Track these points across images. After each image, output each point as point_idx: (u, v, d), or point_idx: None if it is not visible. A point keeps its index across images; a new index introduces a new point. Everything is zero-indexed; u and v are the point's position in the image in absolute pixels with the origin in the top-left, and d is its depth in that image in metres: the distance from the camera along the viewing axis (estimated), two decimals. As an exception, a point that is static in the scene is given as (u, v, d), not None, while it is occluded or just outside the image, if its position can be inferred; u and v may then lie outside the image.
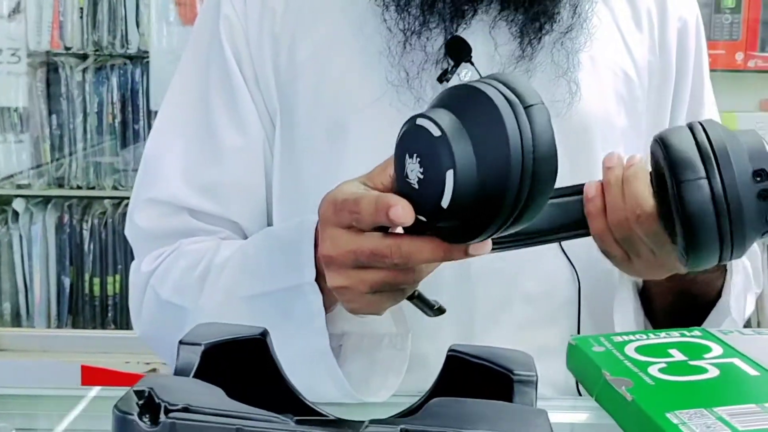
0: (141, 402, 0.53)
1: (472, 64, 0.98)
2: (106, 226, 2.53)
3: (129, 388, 0.55)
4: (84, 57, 2.53)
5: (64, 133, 2.50)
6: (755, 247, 1.16)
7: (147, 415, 0.53)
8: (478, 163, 0.63)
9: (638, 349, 0.69)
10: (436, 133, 0.63)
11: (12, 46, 2.48)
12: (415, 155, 0.64)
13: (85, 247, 2.52)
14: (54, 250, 2.52)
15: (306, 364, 0.84)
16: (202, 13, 1.11)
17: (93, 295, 2.52)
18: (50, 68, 2.53)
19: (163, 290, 1.01)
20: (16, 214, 2.52)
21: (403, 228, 0.70)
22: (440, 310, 0.81)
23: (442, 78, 0.99)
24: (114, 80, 2.49)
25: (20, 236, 2.51)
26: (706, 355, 0.68)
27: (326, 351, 0.86)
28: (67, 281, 2.52)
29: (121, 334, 2.39)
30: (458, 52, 1.00)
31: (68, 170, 2.52)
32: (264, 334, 0.69)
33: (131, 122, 2.51)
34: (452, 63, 0.99)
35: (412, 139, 0.65)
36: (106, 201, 2.55)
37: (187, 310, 0.98)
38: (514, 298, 0.98)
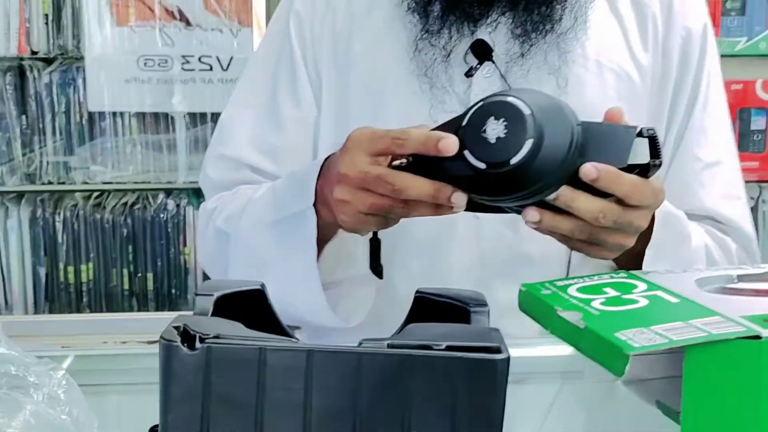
0: (180, 333, 0.61)
1: (494, 62, 1.09)
2: (78, 217, 2.52)
3: (168, 324, 0.63)
4: (50, 60, 2.52)
5: (34, 132, 2.51)
6: (747, 230, 1.20)
7: (186, 343, 0.61)
8: (546, 143, 0.78)
9: (579, 290, 0.76)
10: (527, 111, 0.78)
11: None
12: (502, 119, 0.78)
13: (59, 238, 2.53)
14: (29, 242, 2.52)
15: (296, 281, 0.97)
16: (279, 8, 1.24)
17: (68, 282, 2.54)
18: (19, 72, 2.52)
19: (218, 221, 1.13)
20: None
21: (408, 169, 0.84)
22: (379, 273, 0.96)
23: (468, 74, 1.10)
24: (80, 81, 2.50)
25: None
26: (635, 291, 0.75)
27: (313, 264, 0.97)
28: (42, 271, 2.53)
29: (97, 317, 2.37)
30: (480, 51, 1.11)
31: (39, 167, 2.52)
32: (263, 286, 0.77)
33: (98, 119, 2.52)
34: (477, 61, 1.10)
35: (500, 108, 0.79)
36: (77, 194, 2.55)
37: (230, 236, 1.10)
38: (517, 260, 1.08)
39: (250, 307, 0.76)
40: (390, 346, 0.62)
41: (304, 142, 1.19)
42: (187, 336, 0.61)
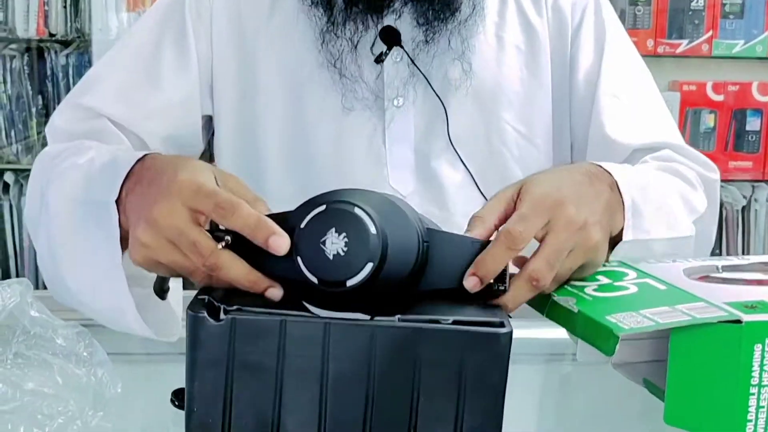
0: (205, 305, 0.65)
1: (403, 47, 1.10)
2: None
3: (194, 296, 0.67)
4: (67, 43, 2.54)
5: (49, 112, 2.50)
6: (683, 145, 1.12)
7: (212, 314, 0.64)
8: (388, 265, 0.68)
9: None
10: (372, 230, 0.67)
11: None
12: (343, 234, 0.67)
13: None
14: None
15: (103, 281, 0.83)
16: None
17: None
18: (37, 53, 2.54)
19: (36, 168, 0.99)
20: (6, 186, 2.53)
21: (230, 246, 0.71)
22: (163, 293, 0.85)
23: (378, 59, 1.11)
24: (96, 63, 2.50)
25: (10, 206, 2.52)
26: (626, 279, 0.79)
27: (116, 258, 0.81)
28: None
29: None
30: (388, 37, 1.11)
31: None
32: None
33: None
34: (386, 47, 1.10)
35: (344, 220, 0.68)
36: None
37: (41, 195, 0.94)
38: None
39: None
40: (401, 320, 0.66)
41: (179, 110, 1.12)
42: (212, 308, 0.65)
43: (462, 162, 1.14)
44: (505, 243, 0.73)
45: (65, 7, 2.49)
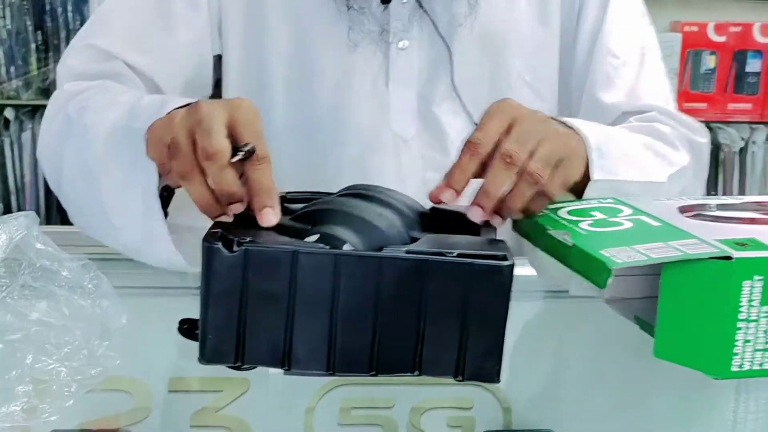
0: (219, 237, 0.67)
1: None
2: None
3: (208, 228, 0.68)
4: None
5: (49, 48, 2.50)
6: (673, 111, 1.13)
7: (225, 246, 0.66)
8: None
9: (570, 212, 0.82)
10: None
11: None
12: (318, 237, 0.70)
13: None
14: None
15: (139, 206, 0.84)
16: None
17: None
18: None
19: (71, 108, 0.98)
20: (7, 122, 2.52)
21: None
22: None
23: (385, 1, 1.10)
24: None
25: (11, 142, 2.51)
26: (620, 215, 0.81)
27: (154, 192, 0.83)
28: None
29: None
30: None
31: (54, 81, 2.50)
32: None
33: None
34: None
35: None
36: None
37: (75, 125, 0.95)
38: None
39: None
40: (408, 252, 0.68)
41: (192, 52, 1.12)
42: (226, 240, 0.67)
43: (464, 108, 1.14)
44: (468, 152, 0.79)
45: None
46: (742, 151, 2.64)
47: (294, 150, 1.13)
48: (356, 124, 1.13)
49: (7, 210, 2.53)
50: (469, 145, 0.80)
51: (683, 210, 0.84)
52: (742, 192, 2.59)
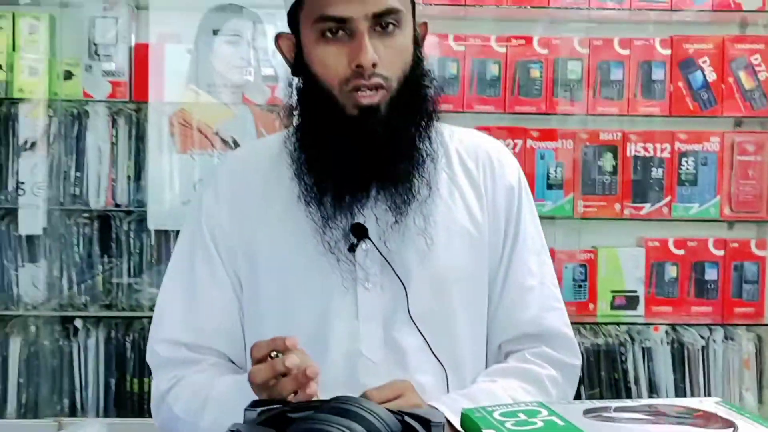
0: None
1: (370, 239, 1.27)
2: (144, 339, 2.67)
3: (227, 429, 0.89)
4: (130, 212, 2.77)
5: (113, 271, 2.71)
6: (568, 335, 1.34)
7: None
8: None
9: (501, 414, 1.00)
10: None
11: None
12: None
13: (128, 355, 2.71)
14: (103, 358, 2.72)
15: None
16: (191, 207, 1.40)
17: (133, 391, 2.71)
18: (103, 221, 2.76)
19: (176, 407, 1.31)
20: (76, 330, 2.72)
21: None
22: None
23: (352, 249, 1.27)
24: (152, 229, 2.70)
25: (78, 347, 2.70)
26: (539, 416, 0.98)
27: None
28: (113, 381, 2.71)
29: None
30: (358, 232, 1.27)
31: (116, 297, 2.72)
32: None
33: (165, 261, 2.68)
34: (355, 239, 1.26)
35: None
36: (144, 320, 2.75)
37: (191, 424, 1.28)
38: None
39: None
40: None
41: (226, 317, 1.35)
42: None
43: (419, 332, 1.31)
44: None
45: (128, 182, 2.72)
46: (704, 350, 2.76)
47: None
48: (334, 353, 1.33)
49: (72, 405, 2.68)
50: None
51: (587, 412, 1.01)
52: (706, 387, 2.70)
